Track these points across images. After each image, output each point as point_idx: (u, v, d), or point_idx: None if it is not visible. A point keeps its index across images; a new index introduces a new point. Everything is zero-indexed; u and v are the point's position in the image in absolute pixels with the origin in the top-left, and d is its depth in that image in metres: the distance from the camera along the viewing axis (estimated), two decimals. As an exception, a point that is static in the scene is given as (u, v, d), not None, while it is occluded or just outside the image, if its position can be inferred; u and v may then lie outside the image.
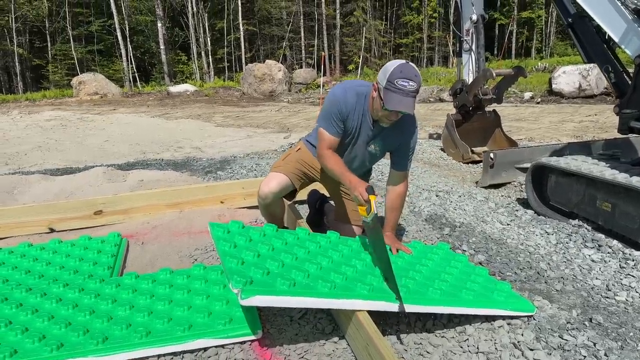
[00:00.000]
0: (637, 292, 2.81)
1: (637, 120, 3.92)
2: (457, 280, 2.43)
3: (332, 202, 3.63)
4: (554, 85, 17.50)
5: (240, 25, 30.42)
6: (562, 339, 2.20)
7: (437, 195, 4.59)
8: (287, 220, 3.35)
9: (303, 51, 30.76)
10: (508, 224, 3.91)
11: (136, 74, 29.30)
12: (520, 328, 2.27)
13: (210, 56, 32.01)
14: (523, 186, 4.97)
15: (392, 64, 2.46)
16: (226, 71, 33.11)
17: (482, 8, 6.38)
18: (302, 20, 30.70)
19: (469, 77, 6.48)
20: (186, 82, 27.40)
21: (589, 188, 3.76)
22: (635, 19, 3.70)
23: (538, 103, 16.91)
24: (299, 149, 3.04)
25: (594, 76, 16.56)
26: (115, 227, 3.60)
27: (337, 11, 30.14)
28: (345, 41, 30.73)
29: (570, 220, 3.86)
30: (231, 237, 2.47)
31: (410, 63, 2.49)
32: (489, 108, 6.56)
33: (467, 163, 6.25)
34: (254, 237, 2.52)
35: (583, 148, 5.19)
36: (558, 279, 2.97)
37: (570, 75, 17.27)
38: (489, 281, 2.51)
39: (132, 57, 29.81)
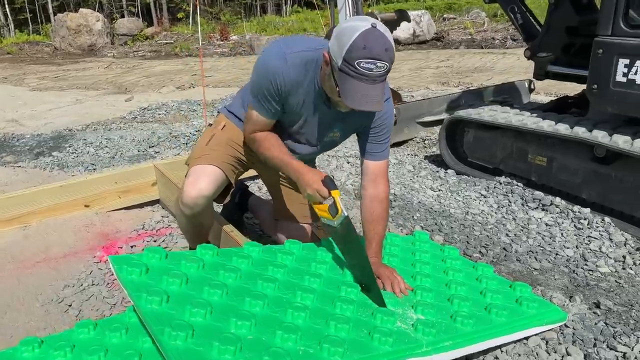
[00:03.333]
0: (610, 257, 2.55)
1: (553, 64, 3.68)
2: (473, 293, 1.85)
3: (257, 195, 2.79)
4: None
5: (41, -33, 25.74)
6: (614, 349, 1.75)
7: (348, 162, 3.97)
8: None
9: (124, -2, 27.34)
10: (439, 189, 3.46)
11: None
12: (560, 344, 1.77)
13: (6, 5, 26.79)
14: (426, 142, 4.61)
15: (350, 30, 1.55)
16: (30, 23, 28.11)
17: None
18: (118, -38, 27.07)
19: (346, 23, 5.85)
20: (-23, 38, 22.58)
21: (518, 141, 3.45)
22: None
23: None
24: (224, 125, 2.10)
25: (425, 22, 17.30)
26: None
27: (159, -48, 27.12)
28: (171, -13, 27.95)
29: (497, 177, 3.55)
30: (155, 281, 1.54)
31: (378, 26, 1.57)
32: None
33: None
34: (191, 274, 1.62)
35: (477, 95, 4.98)
36: (528, 254, 2.59)
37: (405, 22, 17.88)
38: (504, 284, 1.97)
39: None
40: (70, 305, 2.04)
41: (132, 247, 2.52)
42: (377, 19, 5.22)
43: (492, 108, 3.77)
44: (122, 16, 26.35)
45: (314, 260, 1.86)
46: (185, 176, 1.97)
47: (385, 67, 1.58)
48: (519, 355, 1.71)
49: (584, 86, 3.10)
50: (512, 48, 12.36)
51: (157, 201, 3.01)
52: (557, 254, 2.60)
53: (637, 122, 2.99)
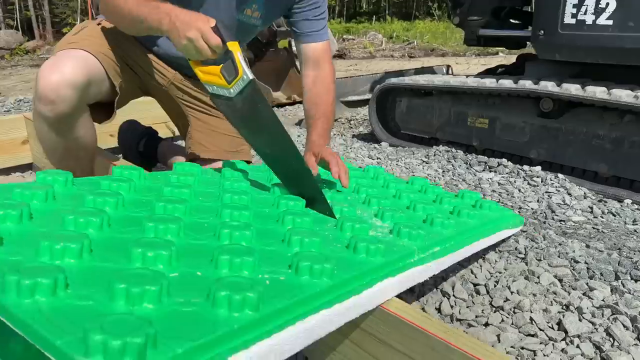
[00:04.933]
0: (577, 209, 2.30)
1: (484, 27, 3.50)
2: (428, 200, 1.51)
3: (167, 140, 2.20)
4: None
5: None
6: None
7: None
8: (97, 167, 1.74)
9: (0, 10, 24.77)
10: (378, 158, 3.08)
11: None
12: (577, 280, 1.40)
13: None
14: (352, 122, 4.27)
15: None
16: None
17: None
18: (-7, -28, 24.63)
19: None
20: None
21: (456, 105, 3.19)
22: None
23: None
24: (99, 23, 1.55)
25: (327, 39, 17.50)
26: None
27: (41, -36, 25.15)
28: (55, 1, 25.92)
29: (434, 146, 3.26)
30: None
31: None
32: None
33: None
34: (36, 207, 0.94)
35: (398, 76, 4.74)
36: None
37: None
38: (449, 193, 1.67)
39: None
40: None
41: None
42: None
43: (425, 76, 3.51)
44: (-1, 29, 23.95)
45: (226, 179, 1.34)
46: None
47: None
48: (534, 295, 1.32)
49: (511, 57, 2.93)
50: (416, 58, 12.70)
51: (29, 166, 2.30)
52: (520, 208, 2.30)
53: (581, 75, 2.85)
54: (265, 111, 1.24)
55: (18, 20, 25.46)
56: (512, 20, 3.50)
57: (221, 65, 1.20)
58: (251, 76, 1.19)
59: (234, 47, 1.19)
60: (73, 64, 1.35)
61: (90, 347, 0.53)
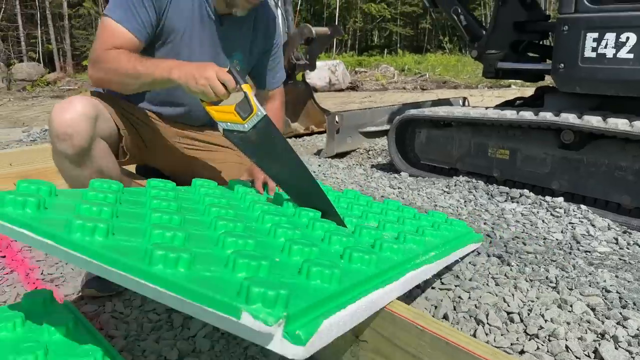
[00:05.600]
0: (602, 240, 2.30)
1: (502, 60, 3.57)
2: (404, 217, 1.65)
3: None
4: (307, 80, 18.18)
5: None
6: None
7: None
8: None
9: (23, 43, 25.52)
10: (399, 187, 3.12)
11: None
12: (610, 309, 1.41)
13: None
14: (370, 152, 4.32)
15: None
16: None
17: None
18: (18, 7, 25.45)
19: (276, 40, 5.58)
20: None
21: (476, 136, 3.23)
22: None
23: (298, 96, 17.35)
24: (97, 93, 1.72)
25: (340, 72, 17.71)
26: None
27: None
28: (76, 34, 26.70)
29: (454, 177, 3.29)
30: (67, 212, 1.01)
31: None
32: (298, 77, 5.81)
33: (288, 138, 5.35)
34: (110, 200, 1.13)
35: (416, 107, 4.81)
36: (515, 240, 2.27)
37: (321, 71, 18.18)
38: (416, 212, 1.83)
39: None
40: None
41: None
42: (312, 32, 5.01)
43: (445, 107, 3.57)
44: (21, 61, 24.65)
45: (245, 193, 1.50)
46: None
47: None
48: (569, 323, 1.33)
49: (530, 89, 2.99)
50: (428, 90, 12.83)
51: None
52: (545, 238, 2.31)
53: (600, 107, 2.88)
54: (278, 139, 1.37)
55: (40, 53, 26.25)
56: (530, 54, 3.57)
57: (235, 104, 1.33)
58: (264, 112, 1.34)
59: (247, 87, 1.32)
60: (82, 102, 1.44)
61: (251, 297, 0.70)
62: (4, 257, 1.80)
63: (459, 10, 3.84)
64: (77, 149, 1.40)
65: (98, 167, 1.49)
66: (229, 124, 1.35)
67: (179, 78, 1.35)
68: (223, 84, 1.30)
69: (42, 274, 1.70)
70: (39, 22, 26.33)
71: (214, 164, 1.91)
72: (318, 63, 16.65)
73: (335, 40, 24.94)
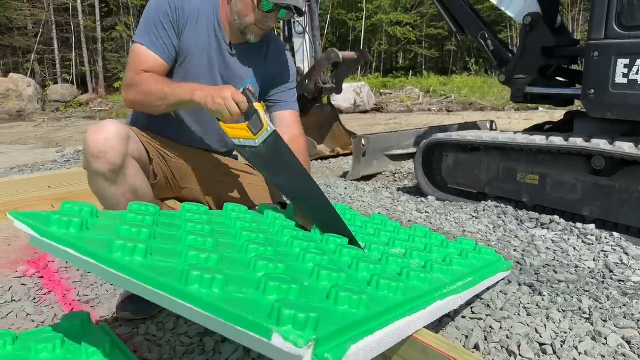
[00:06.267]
0: (635, 269, 2.24)
1: (531, 85, 3.56)
2: (432, 245, 1.64)
3: None
4: (332, 102, 18.31)
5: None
6: None
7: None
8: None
9: (58, 65, 26.42)
10: (426, 212, 3.11)
11: None
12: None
13: None
14: (397, 175, 4.32)
15: None
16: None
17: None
18: (54, 31, 26.44)
19: (304, 64, 5.67)
20: None
21: (505, 161, 3.21)
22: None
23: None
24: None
25: (365, 93, 17.80)
26: None
27: (98, 23, 26.86)
28: (108, 57, 27.55)
29: (483, 202, 3.26)
30: (108, 233, 1.07)
31: None
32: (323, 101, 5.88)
33: (314, 160, 5.39)
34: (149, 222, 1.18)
35: (442, 131, 4.81)
36: (546, 267, 2.23)
37: (346, 92, 18.31)
38: (444, 238, 1.82)
39: None
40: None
41: (66, 262, 1.95)
42: (339, 57, 5.07)
43: (472, 132, 3.56)
44: (56, 83, 25.49)
45: (275, 218, 1.54)
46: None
47: None
48: (603, 356, 1.30)
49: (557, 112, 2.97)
50: (454, 112, 12.77)
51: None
52: (577, 267, 2.27)
53: (631, 133, 2.84)
54: (286, 153, 1.47)
55: (74, 75, 27.10)
56: (558, 78, 3.55)
57: (247, 122, 1.45)
58: (274, 127, 1.45)
59: (259, 106, 1.45)
60: (115, 124, 1.52)
61: (282, 319, 0.72)
62: (42, 277, 1.86)
63: (487, 35, 3.86)
64: (112, 165, 1.47)
65: (132, 185, 1.55)
66: (241, 140, 1.48)
67: (200, 98, 1.47)
68: (237, 105, 1.41)
69: (77, 295, 1.74)
70: (73, 45, 27.22)
71: (240, 187, 1.95)
72: (343, 85, 16.70)
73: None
